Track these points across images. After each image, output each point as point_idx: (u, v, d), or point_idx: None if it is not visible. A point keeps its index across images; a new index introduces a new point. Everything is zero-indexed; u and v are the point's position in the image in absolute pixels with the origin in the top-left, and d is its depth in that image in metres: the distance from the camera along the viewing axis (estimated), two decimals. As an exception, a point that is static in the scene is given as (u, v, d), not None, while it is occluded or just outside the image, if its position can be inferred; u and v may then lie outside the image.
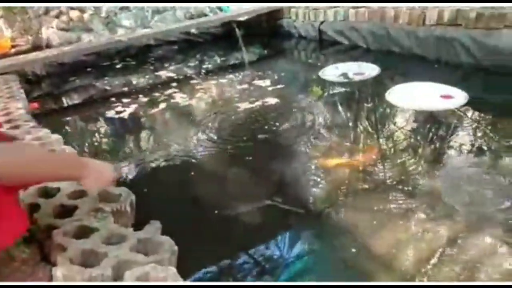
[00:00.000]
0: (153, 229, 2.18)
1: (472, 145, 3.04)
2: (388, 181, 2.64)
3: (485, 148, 2.98)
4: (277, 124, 3.88)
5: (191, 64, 6.84)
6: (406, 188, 2.51)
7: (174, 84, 5.62)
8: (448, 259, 1.96)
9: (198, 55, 7.31)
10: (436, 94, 3.98)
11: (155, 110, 4.74)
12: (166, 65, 6.86)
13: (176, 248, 1.95)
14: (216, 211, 2.56)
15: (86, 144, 4.08)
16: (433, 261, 1.96)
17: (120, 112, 4.77)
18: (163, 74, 6.32)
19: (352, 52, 6.04)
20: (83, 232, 2.05)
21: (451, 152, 2.96)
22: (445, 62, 4.90)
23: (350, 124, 3.71)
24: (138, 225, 2.04)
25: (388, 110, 3.90)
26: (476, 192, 2.41)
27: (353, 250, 2.10)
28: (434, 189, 2.50)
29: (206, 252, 2.22)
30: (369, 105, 4.07)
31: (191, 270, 2.12)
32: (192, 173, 3.13)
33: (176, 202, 2.79)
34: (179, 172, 3.24)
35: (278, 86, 4.96)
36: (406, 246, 2.06)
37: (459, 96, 3.89)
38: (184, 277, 1.67)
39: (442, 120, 3.53)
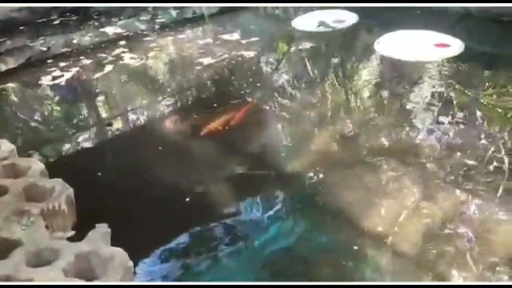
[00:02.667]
0: (98, 236, 1.63)
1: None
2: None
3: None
4: (246, 83, 3.42)
5: (143, 18, 5.96)
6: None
7: (123, 42, 4.82)
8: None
9: (150, 7, 6.41)
10: (430, 42, 3.47)
11: (100, 74, 4.04)
12: (113, 20, 5.95)
13: (130, 264, 1.56)
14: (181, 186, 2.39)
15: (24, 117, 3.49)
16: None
17: (58, 77, 4.01)
18: (110, 30, 5.45)
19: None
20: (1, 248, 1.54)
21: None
22: (427, 8, 4.34)
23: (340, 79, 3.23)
24: (81, 228, 1.74)
25: (378, 62, 3.38)
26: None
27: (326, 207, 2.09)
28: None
29: (177, 222, 2.13)
30: (357, 56, 3.58)
31: (162, 240, 2.01)
32: (150, 147, 2.74)
33: (134, 180, 2.50)
34: (134, 148, 2.81)
35: (250, 40, 4.36)
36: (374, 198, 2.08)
37: (455, 45, 3.40)
38: (153, 248, 1.75)
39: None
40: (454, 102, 2.80)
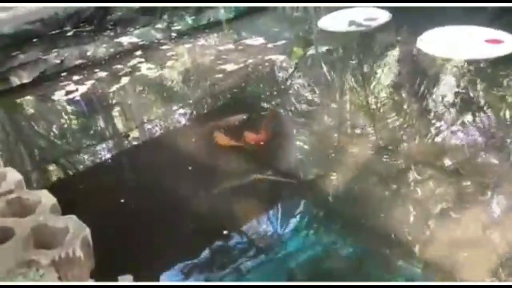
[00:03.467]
0: (122, 291, 1.34)
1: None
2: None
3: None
4: (276, 90, 3.21)
5: (159, 26, 5.72)
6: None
7: (139, 52, 4.55)
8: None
9: (166, 15, 6.18)
10: (479, 38, 3.11)
11: (116, 87, 3.78)
12: (128, 29, 5.72)
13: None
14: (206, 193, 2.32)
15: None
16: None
17: (73, 91, 3.78)
18: (125, 40, 5.21)
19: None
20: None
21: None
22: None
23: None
24: (100, 275, 1.44)
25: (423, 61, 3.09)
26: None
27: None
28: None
29: (195, 234, 2.06)
30: (399, 55, 3.30)
31: (179, 256, 1.92)
32: (174, 163, 2.59)
33: (156, 202, 2.33)
34: (157, 165, 2.64)
35: (276, 44, 4.07)
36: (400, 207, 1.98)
37: (509, 40, 3.02)
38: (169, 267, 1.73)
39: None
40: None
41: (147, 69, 4.01)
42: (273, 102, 3.14)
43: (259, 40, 4.24)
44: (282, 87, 3.37)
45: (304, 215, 2.05)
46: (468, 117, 2.52)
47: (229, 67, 3.76)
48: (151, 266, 1.89)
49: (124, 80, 3.85)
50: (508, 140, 2.29)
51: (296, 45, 4.08)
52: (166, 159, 2.69)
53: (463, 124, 2.46)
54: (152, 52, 4.51)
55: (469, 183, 2.05)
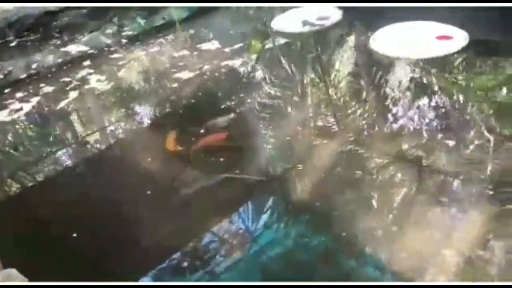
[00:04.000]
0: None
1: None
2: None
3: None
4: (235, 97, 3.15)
5: (109, 31, 5.47)
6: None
7: (87, 62, 4.33)
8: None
9: (116, 17, 5.91)
10: (430, 35, 3.13)
11: (65, 102, 3.56)
12: (76, 36, 5.44)
13: None
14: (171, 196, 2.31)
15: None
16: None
17: (17, 110, 3.52)
18: (73, 49, 4.95)
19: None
20: None
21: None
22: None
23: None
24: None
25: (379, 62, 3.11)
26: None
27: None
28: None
29: (166, 237, 2.02)
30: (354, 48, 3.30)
31: (152, 259, 1.92)
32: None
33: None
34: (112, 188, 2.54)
35: (233, 48, 3.97)
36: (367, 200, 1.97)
37: (458, 36, 3.06)
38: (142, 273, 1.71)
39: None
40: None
41: (97, 81, 3.82)
42: (233, 101, 3.09)
43: (214, 44, 4.12)
44: (244, 82, 3.33)
45: (274, 210, 2.07)
46: (424, 101, 2.58)
47: (185, 74, 3.64)
48: (121, 274, 1.88)
49: (73, 94, 3.65)
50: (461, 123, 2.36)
51: (254, 39, 4.00)
52: (128, 166, 2.67)
53: (418, 108, 2.52)
54: (102, 61, 4.31)
55: (427, 166, 2.09)
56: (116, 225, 2.21)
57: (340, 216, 1.93)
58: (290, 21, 4.04)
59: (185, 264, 1.90)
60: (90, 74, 4.00)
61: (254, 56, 3.67)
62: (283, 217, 2.04)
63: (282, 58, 3.51)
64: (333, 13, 3.99)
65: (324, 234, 1.89)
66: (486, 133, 2.19)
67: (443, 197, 1.91)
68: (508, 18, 3.30)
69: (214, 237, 2.02)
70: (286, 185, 2.23)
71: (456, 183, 1.98)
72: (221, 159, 2.49)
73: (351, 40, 3.65)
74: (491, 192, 1.86)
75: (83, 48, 4.90)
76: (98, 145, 3.06)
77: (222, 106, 3.10)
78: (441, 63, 2.89)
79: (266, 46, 3.84)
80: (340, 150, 2.33)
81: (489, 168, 1.99)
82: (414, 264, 1.66)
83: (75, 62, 4.46)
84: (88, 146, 3.04)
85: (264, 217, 2.04)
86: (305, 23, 3.87)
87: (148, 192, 2.37)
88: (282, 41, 3.84)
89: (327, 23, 3.82)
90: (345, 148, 2.35)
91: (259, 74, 3.40)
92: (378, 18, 3.67)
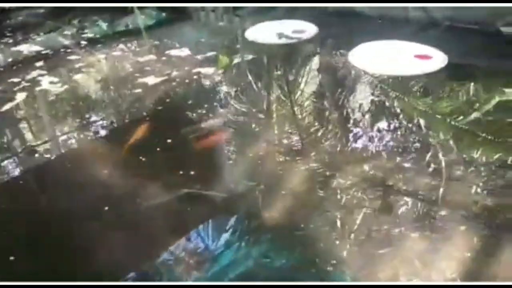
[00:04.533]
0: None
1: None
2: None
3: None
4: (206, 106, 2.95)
5: (67, 32, 5.10)
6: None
7: (41, 63, 3.94)
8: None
9: (76, 20, 5.55)
10: (409, 53, 3.05)
11: (9, 106, 3.17)
12: (31, 35, 5.03)
13: None
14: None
15: None
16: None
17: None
18: (26, 48, 4.54)
19: (272, 12, 4.76)
20: None
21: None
22: (390, 18, 3.97)
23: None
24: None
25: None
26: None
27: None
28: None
29: (122, 254, 1.91)
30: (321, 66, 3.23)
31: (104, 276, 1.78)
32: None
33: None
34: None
35: (206, 55, 3.80)
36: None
37: (437, 57, 3.00)
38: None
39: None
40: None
41: (49, 83, 3.45)
42: (200, 111, 2.94)
43: (184, 51, 3.87)
44: (210, 96, 3.15)
45: (235, 229, 2.00)
46: (383, 123, 2.61)
47: (150, 80, 3.36)
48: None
49: (20, 96, 3.27)
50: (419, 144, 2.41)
51: (221, 54, 3.81)
52: (81, 179, 2.44)
53: (378, 130, 2.55)
54: (57, 63, 3.95)
55: (387, 187, 2.12)
56: (64, 243, 2.02)
57: (303, 236, 1.90)
58: (264, 33, 3.88)
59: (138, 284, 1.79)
60: (42, 75, 3.63)
61: (220, 71, 3.49)
62: (245, 236, 1.95)
63: (249, 74, 3.39)
64: (308, 27, 3.87)
65: (286, 254, 1.84)
66: (441, 157, 2.25)
67: (404, 218, 1.94)
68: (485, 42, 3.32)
69: (170, 256, 1.90)
70: (249, 203, 2.15)
71: (414, 204, 2.01)
72: (181, 173, 2.34)
73: (317, 59, 3.58)
74: (443, 213, 1.94)
75: (37, 48, 4.50)
76: (48, 155, 2.72)
77: (194, 114, 2.91)
78: (401, 87, 2.92)
79: (234, 61, 3.69)
80: (304, 169, 2.30)
81: (441, 191, 2.05)
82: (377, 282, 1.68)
83: (27, 62, 4.08)
84: (37, 155, 2.70)
85: (225, 235, 1.96)
86: (280, 35, 3.73)
87: (105, 208, 2.16)
88: (249, 56, 3.71)
89: (304, 36, 3.69)
90: (309, 167, 2.31)
91: (224, 89, 3.25)
92: (353, 36, 3.62)
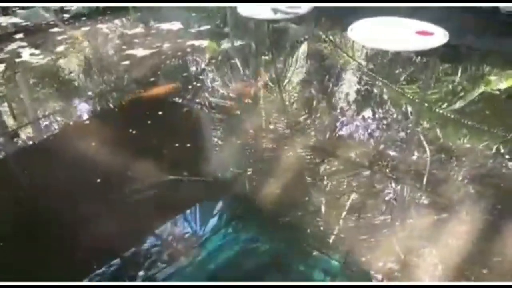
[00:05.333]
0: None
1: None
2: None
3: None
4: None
5: (49, 6, 4.85)
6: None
7: (20, 35, 3.72)
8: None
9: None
10: (410, 30, 2.94)
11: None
12: (12, 8, 4.76)
13: None
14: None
15: None
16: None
17: None
18: (4, 21, 4.29)
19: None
20: None
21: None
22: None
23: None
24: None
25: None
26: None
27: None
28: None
29: (106, 240, 1.82)
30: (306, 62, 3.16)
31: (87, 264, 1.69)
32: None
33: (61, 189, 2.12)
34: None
35: (199, 29, 3.68)
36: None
37: (438, 33, 2.89)
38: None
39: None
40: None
41: (30, 55, 3.25)
42: (188, 96, 2.78)
43: (176, 25, 3.70)
44: (196, 82, 3.00)
45: (222, 214, 1.96)
46: (369, 111, 2.56)
47: (139, 52, 3.20)
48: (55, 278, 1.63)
49: (-1, 67, 3.07)
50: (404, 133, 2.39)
51: (210, 39, 3.67)
52: (67, 161, 2.30)
53: (363, 118, 2.51)
54: (39, 36, 3.74)
55: (374, 174, 2.10)
56: (47, 229, 1.92)
57: (290, 222, 1.87)
58: (258, 8, 3.70)
59: (124, 270, 1.73)
60: (23, 47, 3.42)
61: (207, 56, 3.35)
62: (231, 221, 1.92)
63: (236, 60, 3.27)
64: (302, 3, 3.72)
65: (273, 239, 1.81)
66: (425, 144, 2.22)
67: (390, 203, 1.92)
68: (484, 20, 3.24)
69: (157, 240, 1.84)
70: (236, 188, 2.10)
71: (400, 190, 2.00)
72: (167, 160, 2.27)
73: (305, 46, 3.47)
74: (426, 202, 1.92)
75: (16, 20, 4.26)
76: (30, 136, 2.56)
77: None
78: (388, 74, 2.88)
79: (222, 47, 3.55)
80: (291, 155, 2.24)
81: (425, 178, 2.02)
82: (364, 268, 1.65)
83: (6, 34, 3.85)
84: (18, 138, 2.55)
85: (213, 221, 1.92)
86: (275, 10, 3.56)
87: (87, 191, 2.07)
88: (237, 42, 3.58)
89: (300, 11, 3.54)
90: (296, 153, 2.25)
91: (210, 75, 3.12)
92: (350, 13, 3.49)
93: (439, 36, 2.89)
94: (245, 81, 2.86)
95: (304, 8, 3.63)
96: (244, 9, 3.75)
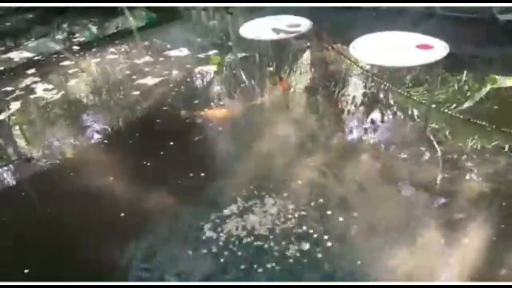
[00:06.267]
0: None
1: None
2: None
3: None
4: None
5: (58, 37, 4.99)
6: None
7: (33, 70, 3.85)
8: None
9: (65, 24, 5.43)
10: (410, 44, 3.01)
11: (5, 115, 3.11)
12: (21, 41, 4.91)
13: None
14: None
15: None
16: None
17: None
18: (16, 55, 4.43)
19: (263, 9, 4.71)
20: None
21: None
22: (386, 9, 3.91)
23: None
24: None
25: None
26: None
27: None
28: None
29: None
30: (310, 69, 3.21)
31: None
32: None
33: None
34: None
35: (208, 54, 3.78)
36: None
37: (438, 46, 2.96)
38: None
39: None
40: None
41: (43, 91, 3.37)
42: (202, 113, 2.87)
43: (183, 51, 3.81)
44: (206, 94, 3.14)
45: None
46: (377, 114, 2.61)
47: (149, 80, 3.31)
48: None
49: (15, 105, 3.18)
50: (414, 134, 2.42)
51: (213, 54, 3.77)
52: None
53: (372, 121, 2.55)
54: (50, 69, 3.86)
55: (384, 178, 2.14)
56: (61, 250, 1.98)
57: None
58: (259, 29, 3.81)
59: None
60: (36, 82, 3.53)
61: (213, 69, 3.46)
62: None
63: (241, 72, 3.35)
64: (302, 22, 3.82)
65: None
66: (436, 146, 2.26)
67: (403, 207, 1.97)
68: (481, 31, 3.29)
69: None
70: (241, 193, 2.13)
71: (411, 192, 2.04)
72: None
73: (308, 54, 3.55)
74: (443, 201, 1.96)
75: (28, 54, 4.40)
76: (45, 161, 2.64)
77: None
78: (393, 78, 2.93)
79: (226, 59, 3.65)
80: (301, 162, 2.29)
81: (439, 178, 2.08)
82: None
83: (18, 69, 3.97)
84: (33, 162, 2.62)
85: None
86: (277, 30, 3.65)
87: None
88: (241, 54, 3.66)
89: (301, 29, 3.63)
90: (302, 160, 2.31)
91: (216, 87, 3.23)
92: (349, 29, 3.57)
93: (439, 49, 2.95)
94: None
95: (305, 26, 3.71)
96: (246, 32, 3.85)
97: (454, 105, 2.56)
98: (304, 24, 3.79)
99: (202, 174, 2.29)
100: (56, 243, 2.01)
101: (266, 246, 1.83)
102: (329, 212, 1.95)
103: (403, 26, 3.39)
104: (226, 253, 1.82)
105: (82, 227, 2.06)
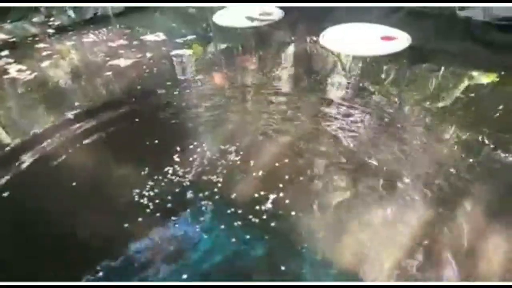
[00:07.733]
0: None
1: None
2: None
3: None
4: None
5: (35, 20, 4.97)
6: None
7: (6, 52, 3.85)
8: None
9: (43, 8, 5.40)
10: (375, 36, 3.15)
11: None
12: (-4, 23, 4.88)
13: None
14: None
15: None
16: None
17: None
18: (-9, 36, 4.41)
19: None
20: None
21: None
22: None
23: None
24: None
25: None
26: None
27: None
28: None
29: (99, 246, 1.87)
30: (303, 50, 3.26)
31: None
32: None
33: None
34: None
35: (186, 38, 3.85)
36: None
37: (402, 38, 3.10)
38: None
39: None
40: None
41: (17, 71, 3.38)
42: (175, 102, 2.89)
43: (160, 36, 3.88)
44: (183, 85, 3.13)
45: (214, 215, 1.98)
46: (362, 104, 2.64)
47: (123, 62, 3.38)
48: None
49: (-12, 84, 3.20)
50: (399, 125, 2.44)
51: (195, 42, 3.82)
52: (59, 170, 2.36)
53: (357, 111, 2.57)
54: (25, 51, 3.87)
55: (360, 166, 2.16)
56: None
57: (282, 221, 1.89)
58: (233, 17, 3.89)
59: (117, 272, 1.75)
60: (9, 63, 3.55)
61: (193, 59, 3.51)
62: (222, 223, 1.93)
63: (222, 62, 3.43)
64: (274, 10, 3.92)
65: (264, 239, 1.83)
66: (411, 138, 2.31)
67: (386, 198, 1.98)
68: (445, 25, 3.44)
69: (149, 242, 1.86)
70: (228, 189, 2.12)
71: (399, 184, 2.04)
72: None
73: (291, 44, 3.61)
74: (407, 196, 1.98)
75: (2, 36, 4.38)
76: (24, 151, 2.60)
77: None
78: (371, 74, 2.98)
79: (208, 49, 3.71)
80: (281, 154, 2.29)
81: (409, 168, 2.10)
82: (353, 265, 1.70)
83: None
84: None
85: (202, 221, 1.93)
86: (251, 19, 3.74)
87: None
88: (223, 45, 3.73)
89: (274, 17, 3.73)
90: (286, 152, 2.31)
91: (198, 77, 3.24)
92: (320, 20, 3.68)
93: (402, 41, 3.09)
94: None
95: (277, 14, 3.82)
96: (220, 19, 3.93)
97: (431, 101, 2.63)
98: (276, 13, 3.89)
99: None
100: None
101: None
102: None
103: (371, 19, 3.53)
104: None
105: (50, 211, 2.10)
